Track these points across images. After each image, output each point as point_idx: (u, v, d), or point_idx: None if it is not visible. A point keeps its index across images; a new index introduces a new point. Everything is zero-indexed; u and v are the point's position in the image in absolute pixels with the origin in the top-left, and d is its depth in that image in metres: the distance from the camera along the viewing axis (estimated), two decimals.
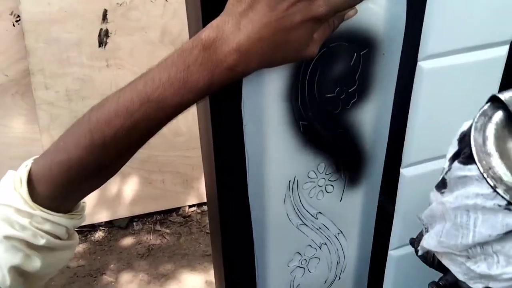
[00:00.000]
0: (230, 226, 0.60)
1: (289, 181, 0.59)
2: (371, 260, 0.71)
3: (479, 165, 0.31)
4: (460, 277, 0.36)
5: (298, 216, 0.62)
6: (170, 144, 2.13)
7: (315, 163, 0.59)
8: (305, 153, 0.57)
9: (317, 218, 0.63)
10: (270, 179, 0.58)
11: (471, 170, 0.32)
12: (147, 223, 2.24)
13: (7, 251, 0.48)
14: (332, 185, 0.62)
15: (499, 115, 0.33)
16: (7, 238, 0.48)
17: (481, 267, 0.33)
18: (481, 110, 0.34)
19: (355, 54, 0.53)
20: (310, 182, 0.60)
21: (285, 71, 0.51)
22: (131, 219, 2.23)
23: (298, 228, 0.63)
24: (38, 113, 1.93)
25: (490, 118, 0.33)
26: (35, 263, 0.49)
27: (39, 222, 0.48)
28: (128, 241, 2.15)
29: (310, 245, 0.66)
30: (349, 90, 0.55)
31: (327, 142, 0.58)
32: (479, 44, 0.57)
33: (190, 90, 0.43)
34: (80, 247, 2.09)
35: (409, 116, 0.60)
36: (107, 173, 0.50)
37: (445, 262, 0.37)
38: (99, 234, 2.17)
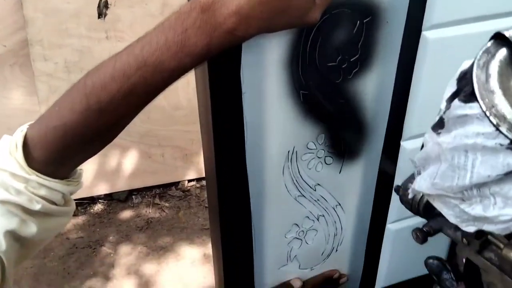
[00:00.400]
0: (228, 196, 0.60)
1: (288, 152, 0.58)
2: (369, 233, 0.71)
3: (481, 102, 0.30)
4: (452, 219, 0.34)
5: (297, 188, 0.61)
6: (170, 118, 2.12)
7: (315, 134, 0.58)
8: (305, 124, 0.57)
9: (315, 190, 0.63)
10: (269, 149, 0.57)
11: (472, 108, 0.30)
12: (146, 196, 2.24)
13: (2, 216, 0.48)
14: (331, 157, 0.61)
15: (503, 52, 0.32)
16: (3, 202, 0.47)
17: (475, 209, 0.32)
18: (484, 48, 0.32)
19: (358, 22, 0.52)
20: (309, 153, 0.59)
21: (285, 38, 0.50)
22: (130, 193, 2.24)
23: (296, 200, 0.63)
24: (37, 85, 1.92)
25: (494, 55, 0.32)
26: (31, 228, 0.49)
27: (35, 187, 0.48)
28: (127, 214, 2.16)
29: (308, 217, 0.65)
30: (351, 59, 0.54)
31: (328, 112, 0.57)
32: (486, 14, 0.56)
33: (188, 54, 0.42)
34: (80, 219, 2.10)
35: (411, 88, 0.59)
36: (103, 140, 0.49)
37: (437, 205, 0.36)
38: (98, 207, 2.18)
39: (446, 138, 0.32)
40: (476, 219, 0.33)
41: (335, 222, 0.68)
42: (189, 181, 2.31)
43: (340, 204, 0.66)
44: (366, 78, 0.56)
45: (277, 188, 0.61)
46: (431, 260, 0.50)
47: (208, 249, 1.98)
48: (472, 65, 0.32)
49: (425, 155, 0.36)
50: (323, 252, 0.70)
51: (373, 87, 0.57)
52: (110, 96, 0.44)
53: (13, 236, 0.48)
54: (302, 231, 0.66)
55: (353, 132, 0.60)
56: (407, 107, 0.60)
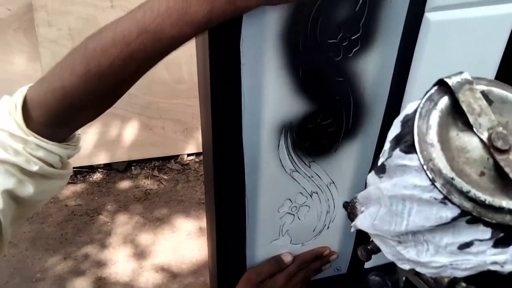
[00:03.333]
0: (223, 169, 0.61)
1: (284, 127, 0.59)
2: None
3: (420, 155, 0.30)
4: (389, 257, 0.36)
5: (291, 163, 0.62)
6: (172, 92, 2.12)
7: (312, 111, 0.58)
8: (303, 100, 0.57)
9: (310, 167, 0.64)
10: (265, 124, 0.58)
11: (411, 160, 0.31)
12: (145, 168, 2.26)
13: (0, 175, 0.48)
14: (327, 135, 0.62)
15: (444, 100, 0.32)
16: (1, 162, 0.48)
17: (410, 253, 0.33)
18: (428, 94, 0.33)
19: None
20: (306, 129, 0.60)
21: (287, 12, 0.50)
22: (130, 163, 2.26)
23: (290, 175, 0.63)
24: (40, 51, 1.91)
25: (436, 104, 0.32)
26: (28, 189, 0.50)
27: (33, 149, 0.48)
28: (125, 184, 2.18)
29: (301, 193, 0.66)
30: (352, 37, 0.54)
31: (326, 90, 0.57)
32: None
33: (188, 23, 0.42)
34: (78, 187, 2.12)
35: (410, 70, 0.59)
36: (101, 105, 0.50)
37: (377, 241, 0.37)
38: (97, 176, 2.20)
39: (386, 185, 0.33)
40: (410, 261, 0.34)
41: (328, 199, 0.69)
42: (189, 155, 2.33)
43: (333, 183, 0.67)
44: (367, 58, 0.56)
45: (272, 162, 0.61)
46: (372, 277, 0.51)
47: (204, 223, 2.01)
48: (415, 112, 0.32)
49: (367, 195, 0.37)
50: (314, 229, 0.71)
51: (373, 67, 0.58)
52: (110, 60, 0.45)
53: (10, 195, 0.49)
54: (295, 206, 0.67)
55: (351, 111, 0.61)
56: (405, 89, 0.60)
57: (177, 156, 2.31)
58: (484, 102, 0.31)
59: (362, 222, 0.38)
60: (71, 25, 1.89)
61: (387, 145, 0.34)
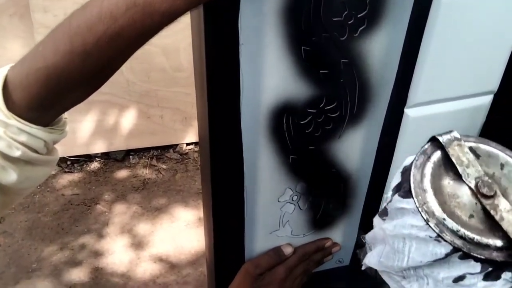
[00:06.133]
0: (220, 156, 0.57)
1: (285, 112, 0.55)
2: (365, 203, 0.69)
3: (415, 200, 0.35)
4: None
5: (293, 150, 0.59)
6: (170, 80, 2.08)
7: (315, 95, 0.55)
8: (305, 83, 0.54)
9: (312, 154, 0.60)
10: (265, 109, 0.54)
11: (409, 203, 0.36)
12: (143, 157, 2.23)
13: None
14: (331, 121, 0.58)
15: (437, 154, 0.37)
16: None
17: (413, 286, 0.38)
18: (422, 149, 0.38)
19: None
20: (308, 115, 0.56)
21: None
22: (128, 152, 2.22)
23: (292, 163, 0.60)
24: (36, 37, 1.87)
25: (429, 157, 0.37)
26: (11, 175, 0.47)
27: (15, 133, 0.45)
28: (123, 173, 2.15)
29: (303, 181, 0.63)
30: (358, 15, 0.50)
31: (330, 72, 0.54)
32: None
33: None
34: (76, 176, 2.09)
35: (420, 50, 0.55)
36: (88, 87, 0.46)
37: (385, 277, 0.42)
38: (95, 165, 2.17)
39: (388, 226, 0.38)
40: None
41: None
42: (188, 144, 2.30)
43: (337, 171, 0.64)
44: (373, 37, 0.53)
45: (272, 148, 0.58)
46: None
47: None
48: (411, 164, 0.37)
49: (373, 236, 0.43)
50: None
51: (380, 48, 0.54)
52: (96, 38, 0.41)
53: None
54: (296, 195, 0.64)
55: (356, 95, 0.57)
56: (414, 71, 0.57)
57: (176, 145, 2.28)
58: (471, 156, 0.36)
59: (370, 260, 0.42)
60: (67, 10, 1.84)
61: (389, 193, 0.39)
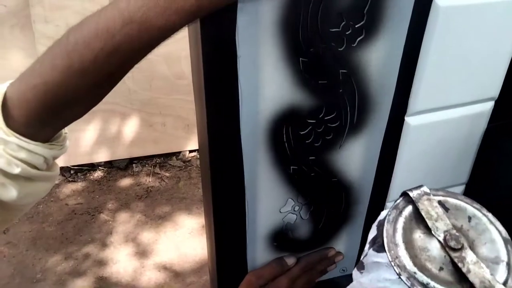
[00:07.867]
0: (220, 168, 0.57)
1: (285, 123, 0.55)
2: (367, 212, 0.69)
3: (388, 254, 0.36)
4: None
5: (293, 161, 0.59)
6: (172, 87, 2.09)
7: (314, 105, 0.55)
8: (304, 94, 0.53)
9: (313, 164, 0.60)
10: (264, 120, 0.54)
11: (382, 258, 0.37)
12: (146, 165, 2.23)
13: None
14: (331, 131, 0.58)
15: (408, 209, 0.38)
16: None
17: None
18: (395, 204, 0.39)
19: None
20: (308, 125, 0.56)
21: None
22: (131, 161, 2.23)
23: (292, 173, 0.60)
24: (38, 48, 1.88)
25: (401, 211, 0.38)
26: (11, 192, 0.47)
27: (14, 150, 0.45)
28: (126, 182, 2.15)
29: (305, 191, 0.63)
30: (356, 26, 0.50)
31: (329, 83, 0.54)
32: None
33: (176, 11, 0.39)
34: (79, 185, 2.10)
35: (419, 59, 0.55)
36: (87, 102, 0.46)
37: None
38: (98, 174, 2.17)
39: (365, 279, 0.39)
40: None
41: None
42: (190, 151, 2.30)
43: (338, 180, 0.64)
44: (372, 47, 0.52)
45: (272, 159, 0.58)
46: None
47: None
48: (384, 218, 0.38)
49: None
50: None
51: (378, 58, 0.54)
52: (93, 54, 0.41)
53: None
54: (298, 205, 0.64)
55: (355, 105, 0.57)
56: (413, 80, 0.56)
57: (179, 152, 2.28)
58: (440, 210, 0.37)
59: None
60: (68, 20, 1.85)
61: (367, 246, 0.41)
